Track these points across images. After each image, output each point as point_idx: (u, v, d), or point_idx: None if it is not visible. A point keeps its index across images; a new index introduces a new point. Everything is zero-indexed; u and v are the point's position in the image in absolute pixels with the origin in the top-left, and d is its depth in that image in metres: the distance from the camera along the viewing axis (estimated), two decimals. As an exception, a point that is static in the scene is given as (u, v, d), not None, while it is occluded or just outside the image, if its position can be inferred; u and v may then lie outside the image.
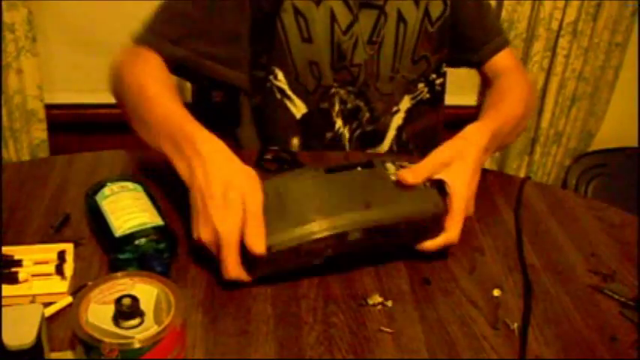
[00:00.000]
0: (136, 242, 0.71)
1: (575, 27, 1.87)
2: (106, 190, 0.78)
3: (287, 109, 1.05)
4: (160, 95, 0.84)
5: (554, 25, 1.87)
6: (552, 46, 1.90)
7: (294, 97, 1.04)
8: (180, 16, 0.96)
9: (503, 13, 1.85)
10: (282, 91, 1.04)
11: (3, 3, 1.57)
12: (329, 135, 1.07)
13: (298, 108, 1.05)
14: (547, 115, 1.99)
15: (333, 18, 0.99)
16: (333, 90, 1.04)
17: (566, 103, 2.00)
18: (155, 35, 0.95)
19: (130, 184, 0.79)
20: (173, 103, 0.82)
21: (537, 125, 2.03)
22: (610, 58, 1.98)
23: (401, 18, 1.03)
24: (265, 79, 1.04)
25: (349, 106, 1.06)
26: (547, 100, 1.97)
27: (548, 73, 1.94)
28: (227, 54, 0.98)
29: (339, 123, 1.07)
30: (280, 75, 1.03)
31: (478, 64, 1.16)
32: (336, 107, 1.06)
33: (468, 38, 1.13)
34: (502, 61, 1.14)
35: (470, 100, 1.96)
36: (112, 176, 0.80)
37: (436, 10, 1.06)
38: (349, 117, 1.07)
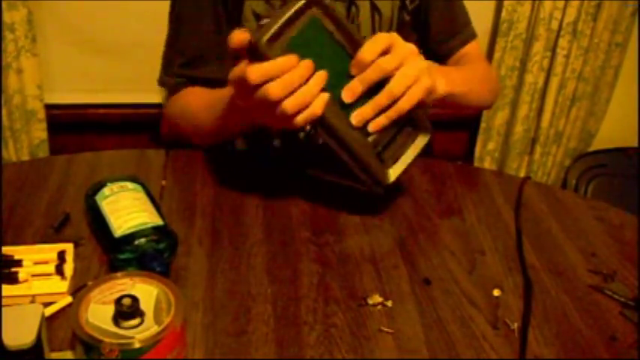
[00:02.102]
0: (136, 242, 0.71)
1: (575, 27, 1.87)
2: (106, 190, 0.78)
3: None
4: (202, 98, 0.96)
5: (554, 25, 1.87)
6: (552, 46, 1.90)
7: None
8: (180, 49, 1.03)
9: (503, 13, 1.85)
10: None
11: (3, 3, 1.57)
12: (301, 135, 1.06)
13: None
14: (547, 115, 1.99)
15: None
16: None
17: (566, 103, 2.00)
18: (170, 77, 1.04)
19: (129, 184, 0.79)
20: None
21: (537, 125, 2.03)
22: (610, 58, 1.98)
23: (375, 8, 1.02)
24: None
25: None
26: (547, 100, 1.97)
27: (548, 73, 1.94)
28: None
29: None
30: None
31: (444, 57, 1.13)
32: None
33: (436, 30, 1.11)
34: (468, 50, 1.13)
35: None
36: (111, 176, 0.80)
37: None
38: None
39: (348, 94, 0.76)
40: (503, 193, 0.95)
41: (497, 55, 1.91)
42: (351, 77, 0.76)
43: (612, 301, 0.76)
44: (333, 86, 0.75)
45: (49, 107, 1.75)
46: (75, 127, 1.84)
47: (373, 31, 1.03)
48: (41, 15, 1.69)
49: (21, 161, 1.63)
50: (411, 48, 0.78)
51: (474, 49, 1.13)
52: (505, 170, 2.06)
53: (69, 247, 0.75)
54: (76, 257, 0.75)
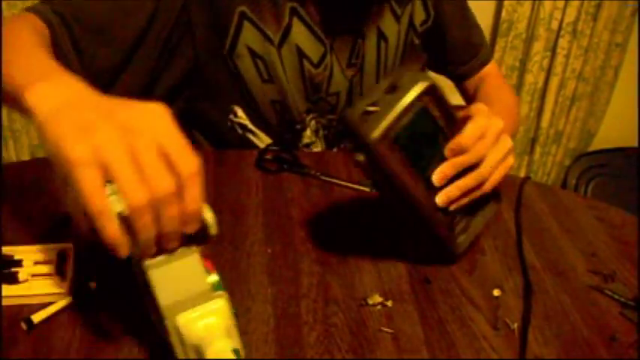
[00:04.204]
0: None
1: (575, 27, 1.87)
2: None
3: (251, 143, 1.02)
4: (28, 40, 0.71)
5: (554, 25, 1.87)
6: (552, 46, 1.91)
7: (256, 130, 1.01)
8: None
9: (503, 13, 1.85)
10: (243, 126, 1.01)
11: (3, 3, 1.57)
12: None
13: (262, 140, 1.02)
14: (547, 115, 2.00)
15: (300, 54, 0.95)
16: (298, 126, 1.02)
17: (566, 103, 2.00)
18: (44, 3, 0.82)
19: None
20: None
21: (537, 125, 2.03)
22: (610, 58, 1.99)
23: (381, 35, 1.00)
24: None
25: (332, 130, 1.05)
26: (547, 100, 1.97)
27: (548, 73, 1.95)
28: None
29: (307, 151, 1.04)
30: (240, 112, 0.99)
31: (461, 78, 1.13)
32: (304, 139, 1.03)
33: (452, 51, 1.10)
34: (488, 71, 1.12)
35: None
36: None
37: (418, 19, 1.04)
38: (334, 140, 1.06)
39: (439, 177, 0.73)
40: (503, 193, 0.94)
41: (497, 55, 1.91)
42: (441, 157, 0.73)
43: (612, 301, 0.76)
44: (424, 168, 0.72)
45: (49, 107, 1.75)
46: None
47: (378, 58, 1.02)
48: (41, 15, 1.69)
49: (21, 161, 1.63)
50: (500, 127, 0.76)
51: (493, 69, 1.13)
52: (505, 170, 2.06)
53: (69, 247, 0.75)
54: (76, 257, 0.75)
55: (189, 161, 0.53)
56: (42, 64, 0.64)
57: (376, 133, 0.66)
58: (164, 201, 0.52)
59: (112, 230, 0.51)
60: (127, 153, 0.51)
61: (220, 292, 0.56)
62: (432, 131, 0.72)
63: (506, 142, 0.76)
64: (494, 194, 0.80)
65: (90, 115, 0.53)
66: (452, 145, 0.73)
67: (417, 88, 0.69)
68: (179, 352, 0.56)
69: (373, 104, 0.68)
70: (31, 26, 0.77)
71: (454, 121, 0.73)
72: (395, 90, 0.69)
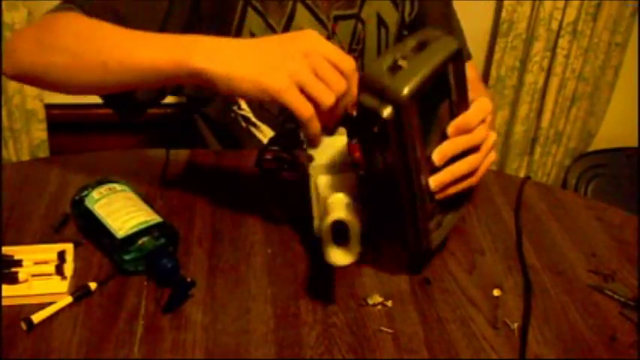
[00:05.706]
0: (140, 241, 0.71)
1: (575, 27, 1.87)
2: (95, 194, 0.77)
3: (253, 136, 1.02)
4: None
5: (554, 25, 1.87)
6: (552, 46, 1.90)
7: (259, 123, 1.01)
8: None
9: (503, 13, 1.85)
10: (247, 119, 1.01)
11: (3, 3, 1.57)
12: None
13: (265, 134, 1.02)
14: (547, 115, 1.99)
15: None
16: None
17: (566, 103, 2.00)
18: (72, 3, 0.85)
19: (117, 186, 0.79)
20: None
21: (537, 125, 2.03)
22: (610, 58, 1.98)
23: (381, 22, 1.01)
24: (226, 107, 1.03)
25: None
26: (547, 100, 1.97)
27: (548, 73, 1.94)
28: None
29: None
30: (244, 104, 1.00)
31: None
32: None
33: None
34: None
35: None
36: (94, 180, 0.79)
37: (406, 11, 1.05)
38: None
39: (440, 157, 0.69)
40: (503, 193, 0.95)
41: (497, 55, 1.91)
42: (440, 135, 0.69)
43: (612, 301, 0.76)
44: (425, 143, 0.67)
45: (49, 107, 1.75)
46: (75, 127, 1.83)
47: (378, 46, 1.02)
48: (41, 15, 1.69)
49: (21, 161, 1.63)
50: (493, 116, 0.75)
51: (470, 71, 1.12)
52: (505, 170, 2.06)
53: (69, 247, 0.75)
54: (76, 257, 0.75)
55: (348, 62, 0.68)
56: (161, 36, 0.74)
57: (407, 89, 0.61)
58: (342, 94, 0.68)
59: (317, 127, 0.69)
60: (311, 71, 0.66)
61: (353, 171, 0.72)
62: (443, 99, 0.67)
63: (494, 135, 0.75)
64: (467, 194, 0.77)
65: (267, 52, 0.68)
66: (458, 122, 0.70)
67: (449, 48, 0.65)
68: (314, 202, 0.75)
69: (403, 58, 0.64)
70: (79, 16, 0.82)
71: (464, 96, 0.68)
72: (424, 48, 0.65)
